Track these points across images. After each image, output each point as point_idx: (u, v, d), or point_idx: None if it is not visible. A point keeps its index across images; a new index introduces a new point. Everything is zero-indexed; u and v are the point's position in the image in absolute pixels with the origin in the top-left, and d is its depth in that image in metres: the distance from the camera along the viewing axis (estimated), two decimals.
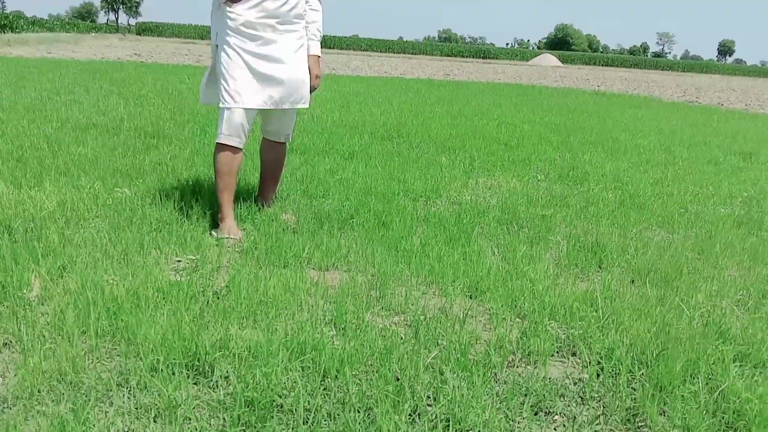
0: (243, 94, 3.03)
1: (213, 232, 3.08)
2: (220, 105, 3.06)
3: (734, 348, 2.16)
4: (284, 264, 2.72)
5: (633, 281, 2.83)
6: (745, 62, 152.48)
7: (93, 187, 3.58)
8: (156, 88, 9.66)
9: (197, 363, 1.87)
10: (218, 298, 2.32)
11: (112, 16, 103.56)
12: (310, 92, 3.29)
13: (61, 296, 2.23)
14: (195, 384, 1.80)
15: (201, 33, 72.39)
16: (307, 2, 3.26)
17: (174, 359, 1.85)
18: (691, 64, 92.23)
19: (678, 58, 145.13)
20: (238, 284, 2.38)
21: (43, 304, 2.21)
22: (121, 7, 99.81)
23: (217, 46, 3.10)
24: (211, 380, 1.81)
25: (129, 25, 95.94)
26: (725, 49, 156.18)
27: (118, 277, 2.40)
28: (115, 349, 1.96)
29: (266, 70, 3.05)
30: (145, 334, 1.96)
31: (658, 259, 3.07)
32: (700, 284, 2.79)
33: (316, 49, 3.32)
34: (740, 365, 2.08)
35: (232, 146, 3.09)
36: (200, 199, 3.42)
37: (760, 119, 11.92)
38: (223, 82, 3.04)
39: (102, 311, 2.11)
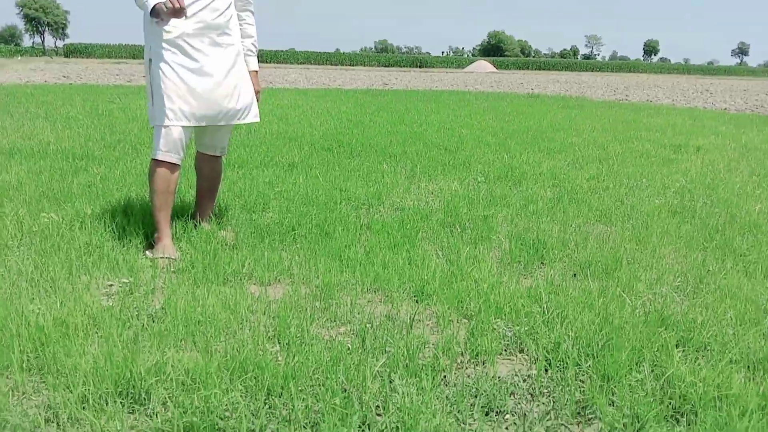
0: (181, 111, 2.91)
1: (148, 253, 2.95)
2: (157, 123, 2.93)
3: (676, 334, 2.20)
4: (223, 281, 2.62)
5: (575, 275, 2.86)
6: (669, 60, 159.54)
7: (17, 214, 3.39)
8: (85, 109, 9.32)
9: (132, 391, 1.76)
10: (153, 321, 2.21)
11: (38, 39, 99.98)
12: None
13: None
14: (131, 413, 1.70)
15: (132, 52, 70.76)
16: (240, 18, 3.20)
17: (106, 389, 1.74)
18: (619, 65, 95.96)
19: (607, 59, 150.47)
20: (175, 305, 2.27)
21: None
22: (46, 29, 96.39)
23: (150, 60, 2.94)
24: (148, 408, 1.71)
25: (56, 47, 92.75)
26: (650, 49, 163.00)
27: (44, 307, 2.26)
28: (43, 382, 1.83)
29: (204, 85, 2.94)
30: (75, 365, 1.84)
31: (598, 252, 3.12)
32: (639, 273, 2.85)
33: (254, 64, 3.26)
34: (683, 350, 2.11)
35: (170, 163, 2.97)
36: (132, 219, 3.28)
37: (687, 113, 12.44)
38: (158, 98, 2.92)
39: (27, 344, 1.97)
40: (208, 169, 3.35)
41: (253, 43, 3.25)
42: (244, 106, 3.13)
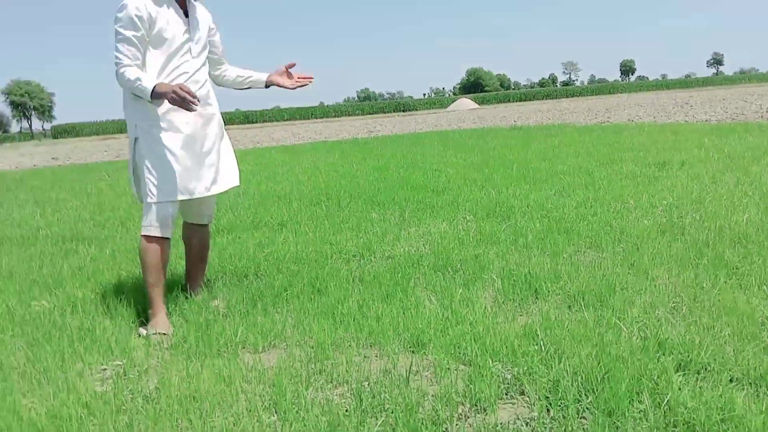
0: (169, 187, 2.93)
1: (141, 330, 2.93)
2: (147, 200, 2.95)
3: (675, 358, 2.18)
4: (216, 353, 2.59)
5: (570, 307, 2.84)
6: (647, 78, 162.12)
7: (8, 304, 3.38)
8: (74, 189, 9.39)
9: None
10: (148, 403, 2.18)
11: (25, 124, 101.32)
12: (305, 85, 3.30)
13: None
14: None
15: (120, 127, 71.62)
16: (220, 69, 3.32)
17: None
18: (598, 88, 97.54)
19: (585, 83, 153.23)
20: (169, 383, 2.25)
21: None
22: (33, 113, 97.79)
23: (137, 138, 2.96)
24: None
25: (44, 129, 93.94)
26: (627, 69, 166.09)
27: (37, 400, 2.23)
28: None
29: (191, 158, 2.98)
30: None
31: (591, 280, 3.11)
32: (634, 298, 2.83)
33: (261, 75, 3.34)
34: (683, 374, 2.09)
35: (161, 237, 2.98)
36: (124, 299, 3.26)
37: (668, 128, 12.58)
38: (147, 175, 2.93)
39: None
40: (196, 239, 3.36)
41: (244, 68, 3.36)
42: (229, 174, 3.18)
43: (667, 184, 5.79)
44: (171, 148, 2.93)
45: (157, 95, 2.72)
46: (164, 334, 2.87)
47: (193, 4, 3.08)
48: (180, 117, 2.95)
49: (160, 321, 2.96)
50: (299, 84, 3.31)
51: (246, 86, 3.36)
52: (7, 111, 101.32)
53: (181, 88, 2.65)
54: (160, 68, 2.94)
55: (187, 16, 3.03)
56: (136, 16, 2.83)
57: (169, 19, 2.94)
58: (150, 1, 2.90)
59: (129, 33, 2.83)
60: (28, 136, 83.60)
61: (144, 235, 2.99)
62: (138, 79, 2.76)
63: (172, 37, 2.95)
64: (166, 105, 2.85)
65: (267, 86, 3.32)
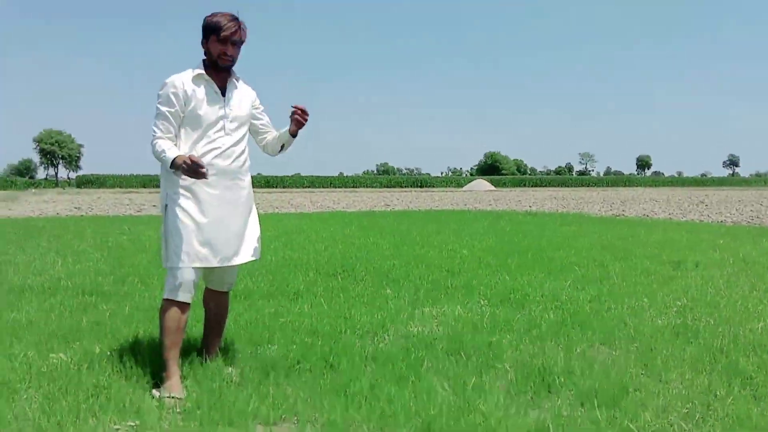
0: (192, 254, 3.04)
1: (155, 392, 2.97)
2: (169, 265, 3.06)
3: None
4: (229, 422, 2.62)
5: (582, 404, 2.84)
6: (663, 173, 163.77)
7: (26, 355, 3.43)
8: (96, 241, 9.56)
9: None
10: None
11: (51, 171, 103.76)
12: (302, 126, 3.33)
13: None
14: None
15: (143, 182, 73.20)
16: (268, 135, 3.43)
17: None
18: (614, 179, 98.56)
19: (601, 174, 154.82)
20: None
21: None
22: (60, 161, 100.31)
23: (166, 206, 3.11)
24: None
25: (69, 178, 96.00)
26: (643, 164, 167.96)
27: None
28: None
29: (217, 229, 3.10)
30: None
31: (605, 379, 3.11)
32: (647, 401, 2.83)
33: (284, 129, 3.38)
34: None
35: (182, 302, 3.07)
36: (140, 358, 3.31)
37: (684, 227, 12.67)
38: (171, 240, 3.06)
39: None
40: (214, 304, 3.43)
41: (277, 131, 3.44)
42: (251, 247, 3.28)
43: (681, 284, 5.82)
44: (195, 217, 3.06)
45: (175, 165, 2.91)
46: (178, 398, 2.90)
47: (234, 83, 3.26)
48: (208, 188, 3.09)
49: (174, 384, 3.00)
50: (298, 118, 3.35)
51: (281, 144, 3.45)
52: (36, 158, 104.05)
53: (190, 158, 2.82)
54: (193, 143, 3.12)
55: (224, 95, 3.21)
56: (173, 93, 3.07)
57: (205, 98, 3.14)
58: (189, 80, 3.12)
59: (165, 109, 3.06)
60: (53, 183, 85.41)
61: (165, 299, 3.08)
62: (164, 150, 2.97)
63: (205, 114, 3.13)
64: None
65: (293, 135, 3.41)
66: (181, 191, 3.07)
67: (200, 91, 3.13)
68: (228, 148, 3.18)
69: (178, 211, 3.06)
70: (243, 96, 3.30)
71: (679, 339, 3.91)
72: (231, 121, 3.21)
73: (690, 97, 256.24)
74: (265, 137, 3.47)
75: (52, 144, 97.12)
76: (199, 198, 3.08)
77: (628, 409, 2.72)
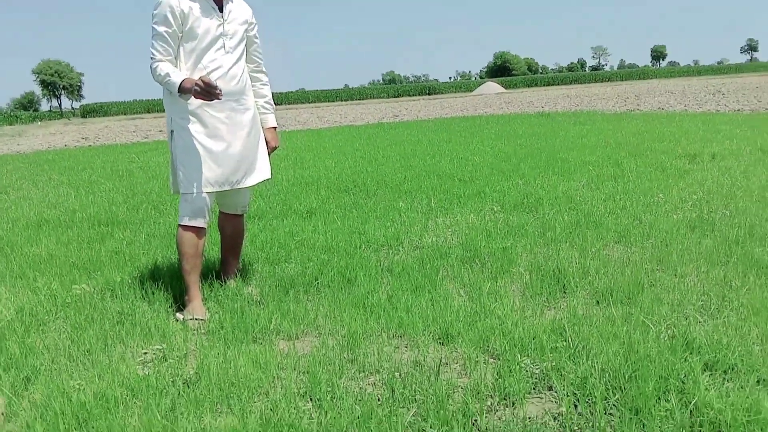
0: (205, 179, 3.02)
1: (178, 315, 3.04)
2: (181, 191, 3.05)
3: (702, 357, 2.21)
4: (253, 339, 2.69)
5: (598, 302, 2.88)
6: (678, 64, 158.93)
7: (50, 288, 3.51)
8: (106, 171, 9.59)
9: None
10: (189, 387, 2.28)
11: (55, 103, 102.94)
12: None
13: (28, 411, 2.16)
14: None
15: (147, 107, 72.66)
16: (255, 79, 3.33)
17: None
18: (628, 73, 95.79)
19: (615, 68, 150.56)
20: (208, 369, 2.34)
21: (9, 422, 2.14)
22: (62, 92, 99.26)
23: (173, 131, 3.06)
24: None
25: (73, 109, 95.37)
26: (658, 54, 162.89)
27: (84, 381, 2.34)
28: None
29: (225, 152, 3.05)
30: None
31: (620, 276, 3.13)
32: (662, 296, 2.86)
33: (272, 121, 3.39)
34: (710, 374, 2.12)
35: (196, 227, 3.08)
36: (161, 284, 3.37)
37: (700, 118, 12.39)
38: (181, 167, 3.03)
39: (71, 421, 2.05)
40: (230, 228, 3.45)
41: (267, 101, 3.38)
42: (261, 167, 3.25)
43: (697, 178, 5.75)
44: (203, 142, 3.01)
45: (183, 90, 2.81)
46: (201, 319, 2.97)
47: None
48: (214, 111, 3.02)
49: (197, 307, 3.06)
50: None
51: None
52: (38, 90, 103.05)
53: (202, 80, 2.71)
54: (193, 63, 3.01)
55: (221, 10, 3.08)
56: (170, 11, 2.92)
57: (202, 15, 2.99)
58: None
59: (162, 29, 2.92)
60: (58, 114, 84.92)
61: (180, 225, 3.09)
62: (167, 74, 2.86)
63: (205, 32, 2.99)
64: (199, 99, 2.92)
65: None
66: (187, 116, 3.00)
67: (197, 8, 2.98)
68: (230, 68, 3.08)
69: (185, 136, 3.01)
70: (239, 12, 3.16)
71: (694, 233, 3.90)
72: (230, 38, 3.09)
73: None
74: (253, 74, 3.32)
75: (52, 75, 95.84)
76: (205, 122, 3.02)
77: (644, 304, 2.75)
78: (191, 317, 2.99)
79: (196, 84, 2.72)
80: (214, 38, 3.03)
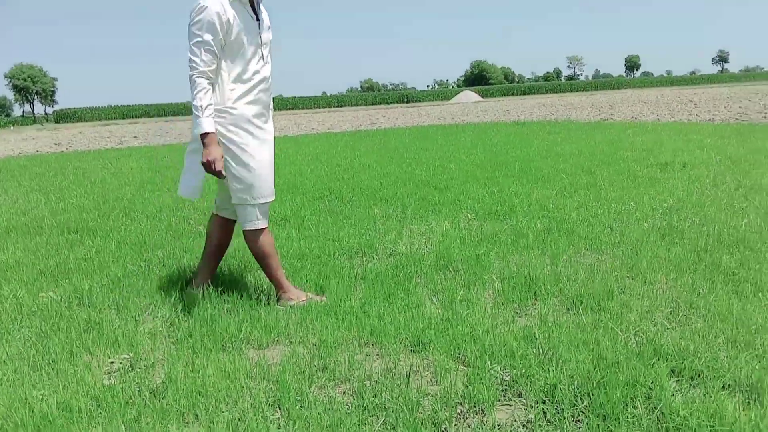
0: (271, 186, 3.11)
1: (290, 303, 3.11)
2: (260, 201, 3.06)
3: (669, 364, 2.23)
4: (222, 348, 2.65)
5: (568, 309, 2.90)
6: (652, 74, 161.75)
7: (16, 296, 3.43)
8: (77, 177, 9.43)
9: None
10: (155, 397, 2.24)
11: (27, 108, 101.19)
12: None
13: None
14: None
15: (122, 113, 71.82)
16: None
17: None
18: (602, 83, 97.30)
19: (590, 78, 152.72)
20: (175, 378, 2.31)
21: None
22: (35, 97, 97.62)
23: (230, 141, 2.95)
24: None
25: (46, 114, 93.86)
26: (632, 64, 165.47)
27: (48, 391, 2.29)
28: None
29: (270, 164, 3.11)
30: None
31: (590, 284, 3.16)
32: (632, 303, 2.89)
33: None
34: (677, 380, 2.14)
35: (267, 227, 3.16)
36: (129, 291, 3.32)
37: (672, 128, 12.61)
38: (257, 178, 3.01)
39: None
40: (225, 233, 3.38)
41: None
42: None
43: (668, 186, 5.84)
44: (262, 155, 3.04)
45: (203, 140, 2.80)
46: (311, 298, 3.13)
47: (259, 2, 3.02)
48: (261, 123, 3.05)
49: (298, 292, 3.19)
50: None
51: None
52: (10, 95, 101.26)
53: (215, 166, 2.79)
54: (237, 76, 2.93)
55: (257, 19, 2.98)
56: (217, 19, 2.78)
57: (245, 24, 2.89)
58: (227, 3, 2.84)
59: (208, 37, 2.78)
60: (31, 120, 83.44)
61: (252, 230, 3.11)
62: (202, 108, 2.78)
63: (249, 42, 2.91)
64: (252, 110, 2.97)
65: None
66: (246, 129, 2.98)
67: (240, 17, 2.87)
68: (269, 78, 3.09)
69: (250, 150, 2.99)
70: (266, 16, 3.13)
71: (664, 240, 3.95)
72: (266, 47, 3.07)
73: None
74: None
75: (25, 79, 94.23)
76: (257, 136, 3.03)
77: (614, 311, 2.77)
78: (304, 298, 3.14)
79: (209, 161, 2.78)
80: (255, 48, 2.97)
